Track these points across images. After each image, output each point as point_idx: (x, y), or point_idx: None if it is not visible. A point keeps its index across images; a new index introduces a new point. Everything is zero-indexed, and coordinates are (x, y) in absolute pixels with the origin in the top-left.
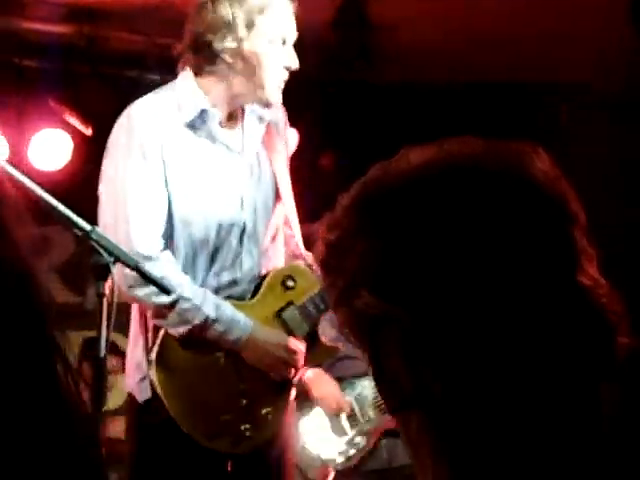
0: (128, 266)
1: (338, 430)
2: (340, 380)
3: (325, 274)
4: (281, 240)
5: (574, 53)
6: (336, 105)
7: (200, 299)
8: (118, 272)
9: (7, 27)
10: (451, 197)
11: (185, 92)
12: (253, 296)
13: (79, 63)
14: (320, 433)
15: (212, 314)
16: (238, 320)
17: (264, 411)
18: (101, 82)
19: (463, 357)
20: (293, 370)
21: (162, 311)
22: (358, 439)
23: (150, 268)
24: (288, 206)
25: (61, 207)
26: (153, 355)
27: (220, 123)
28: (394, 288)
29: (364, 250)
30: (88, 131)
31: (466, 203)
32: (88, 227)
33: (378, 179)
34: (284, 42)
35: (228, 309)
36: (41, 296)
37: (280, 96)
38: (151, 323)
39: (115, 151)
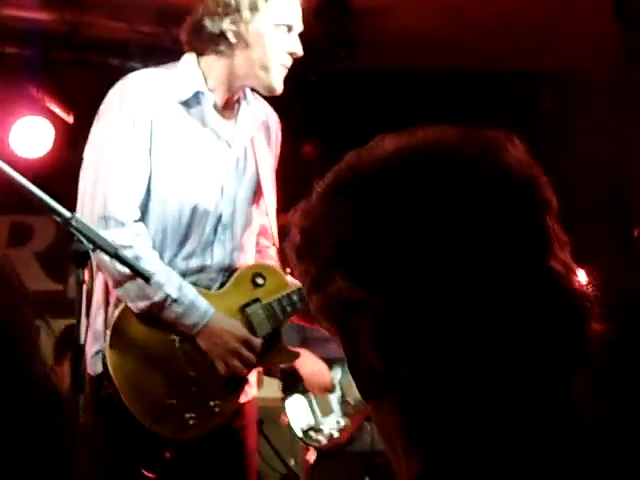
0: (107, 253)
1: (323, 410)
2: (329, 361)
3: (299, 260)
4: (254, 238)
5: (558, 41)
6: (319, 94)
7: (164, 277)
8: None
9: None
10: (424, 184)
11: (184, 71)
12: (221, 287)
13: (60, 50)
14: (304, 413)
15: (173, 294)
16: (198, 306)
17: (212, 403)
18: (83, 69)
19: (434, 341)
20: (244, 366)
21: (123, 281)
22: (342, 420)
23: (120, 234)
24: (269, 207)
25: (42, 194)
26: (109, 329)
27: (215, 107)
28: (366, 273)
29: (337, 235)
30: (70, 118)
31: (438, 189)
32: (68, 214)
33: (352, 166)
34: (289, 29)
35: (190, 293)
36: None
37: (282, 82)
38: (113, 296)
39: (105, 116)
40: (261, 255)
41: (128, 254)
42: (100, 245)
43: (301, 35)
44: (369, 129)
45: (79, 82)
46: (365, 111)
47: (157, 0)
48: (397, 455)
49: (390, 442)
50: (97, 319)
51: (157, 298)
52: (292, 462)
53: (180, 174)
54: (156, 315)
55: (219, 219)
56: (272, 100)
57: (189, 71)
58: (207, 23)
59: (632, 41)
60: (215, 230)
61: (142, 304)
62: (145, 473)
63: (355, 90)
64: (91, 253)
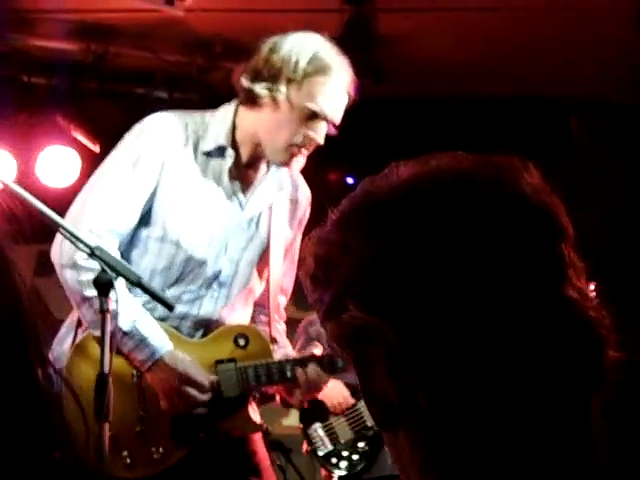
0: (130, 281)
1: (342, 436)
2: (349, 385)
3: (313, 288)
4: (250, 308)
5: (582, 65)
6: (344, 122)
7: (122, 307)
8: (55, 247)
9: (15, 44)
10: (438, 212)
11: (216, 122)
12: (202, 337)
13: (87, 80)
14: (324, 441)
15: (125, 327)
16: (151, 343)
17: (153, 448)
18: (109, 99)
19: (450, 370)
20: (186, 405)
21: (81, 303)
22: (361, 444)
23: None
24: (272, 277)
25: (66, 225)
26: (72, 349)
27: (237, 165)
28: (380, 301)
29: (351, 263)
30: (96, 148)
31: (453, 218)
32: (93, 244)
33: (367, 193)
34: (321, 117)
35: (146, 329)
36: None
37: (286, 160)
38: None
39: (116, 149)
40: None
41: (86, 277)
42: (123, 273)
43: None
44: (395, 157)
45: (105, 111)
46: (391, 138)
47: (182, 30)
48: None
49: (405, 472)
50: (66, 340)
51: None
52: None
53: (183, 220)
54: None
55: (217, 275)
56: None
57: (221, 123)
58: (245, 78)
59: None
60: (210, 284)
61: (96, 332)
62: None
63: (381, 118)
64: (114, 282)
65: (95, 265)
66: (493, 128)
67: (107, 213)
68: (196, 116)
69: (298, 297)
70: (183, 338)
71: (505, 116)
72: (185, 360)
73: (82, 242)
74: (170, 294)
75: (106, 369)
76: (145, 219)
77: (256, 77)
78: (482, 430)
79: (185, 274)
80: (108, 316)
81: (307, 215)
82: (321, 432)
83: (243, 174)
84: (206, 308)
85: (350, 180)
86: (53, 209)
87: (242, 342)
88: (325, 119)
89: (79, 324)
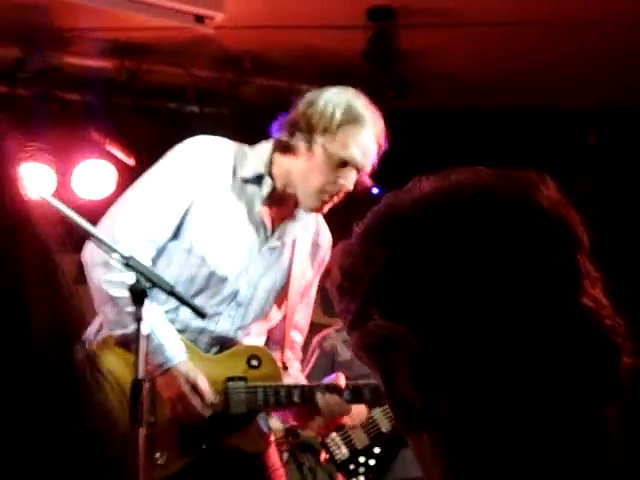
0: (163, 290)
1: (358, 442)
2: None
3: (340, 298)
4: (264, 330)
5: (601, 78)
6: None
7: (145, 313)
8: (87, 248)
9: (51, 62)
10: (459, 225)
11: (256, 154)
12: (217, 353)
13: (120, 96)
14: (341, 447)
15: (145, 331)
16: (166, 350)
17: (157, 454)
18: (142, 114)
19: (471, 376)
20: (190, 412)
21: (106, 302)
22: (377, 450)
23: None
24: (288, 309)
25: (102, 236)
26: (100, 338)
27: (270, 196)
28: (403, 310)
29: (376, 274)
30: (130, 161)
31: (473, 230)
32: (127, 254)
33: (390, 207)
34: (352, 165)
35: (164, 336)
36: (66, 293)
37: (317, 206)
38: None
39: (157, 165)
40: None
41: (116, 277)
42: (156, 282)
43: (351, 76)
44: (418, 167)
45: (139, 126)
46: (415, 150)
47: (212, 47)
48: None
49: (428, 472)
50: (92, 326)
51: (129, 330)
52: None
53: (211, 238)
54: (130, 345)
55: (235, 295)
56: None
57: (260, 155)
58: (284, 131)
59: None
60: (228, 302)
61: (118, 331)
62: None
63: (404, 130)
64: (148, 291)
65: (123, 273)
66: (514, 140)
67: (149, 223)
68: (236, 145)
69: (325, 303)
70: (198, 352)
71: (525, 128)
72: (196, 372)
73: (117, 252)
74: (186, 313)
75: (140, 374)
76: (175, 231)
77: (294, 129)
78: (501, 434)
79: (206, 288)
80: (142, 324)
81: (327, 259)
82: (338, 440)
83: (274, 205)
84: (223, 325)
85: (375, 190)
86: (89, 221)
87: (255, 363)
88: (356, 166)
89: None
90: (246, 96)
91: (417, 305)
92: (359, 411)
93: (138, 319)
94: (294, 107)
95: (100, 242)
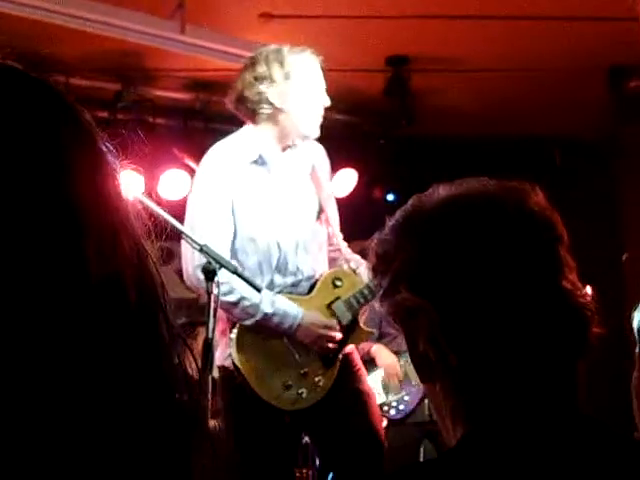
0: (228, 270)
1: (393, 389)
2: (397, 353)
3: (374, 276)
4: (326, 250)
5: (566, 112)
6: (387, 153)
7: (259, 298)
8: (193, 277)
9: (143, 94)
10: (470, 221)
11: (247, 138)
12: (310, 292)
13: (196, 121)
14: (378, 392)
15: (269, 310)
16: (289, 313)
17: (317, 379)
18: (213, 135)
19: (474, 338)
20: (331, 343)
21: (229, 308)
22: (407, 397)
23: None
24: (334, 225)
25: (182, 228)
26: (233, 337)
27: (274, 159)
28: (424, 286)
29: (404, 258)
30: None
31: (480, 226)
32: (201, 242)
33: (415, 206)
34: (316, 87)
35: (283, 304)
36: (157, 280)
37: (318, 130)
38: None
39: (198, 176)
40: (333, 259)
41: (225, 289)
42: (223, 265)
43: (373, 108)
44: (426, 178)
45: (210, 144)
46: (422, 164)
47: None
48: (446, 426)
49: (440, 416)
50: (224, 332)
51: (258, 316)
52: None
53: (260, 217)
54: (262, 325)
55: (297, 244)
56: (353, 157)
57: (251, 137)
58: (249, 95)
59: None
60: (297, 253)
61: (249, 322)
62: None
63: (415, 150)
64: (217, 271)
65: (229, 283)
66: (500, 160)
67: (219, 239)
68: (235, 138)
69: None
70: (302, 298)
71: (508, 150)
72: (315, 314)
73: (193, 240)
74: (279, 273)
75: (210, 335)
76: (234, 230)
77: (257, 86)
78: (495, 379)
79: (282, 255)
80: (212, 296)
81: (327, 161)
82: (376, 385)
83: (283, 161)
84: (305, 271)
85: (390, 197)
86: (172, 215)
87: (338, 283)
88: (322, 87)
89: (229, 322)
90: None
91: (436, 282)
92: (395, 363)
93: (208, 292)
94: (233, 95)
95: (182, 233)
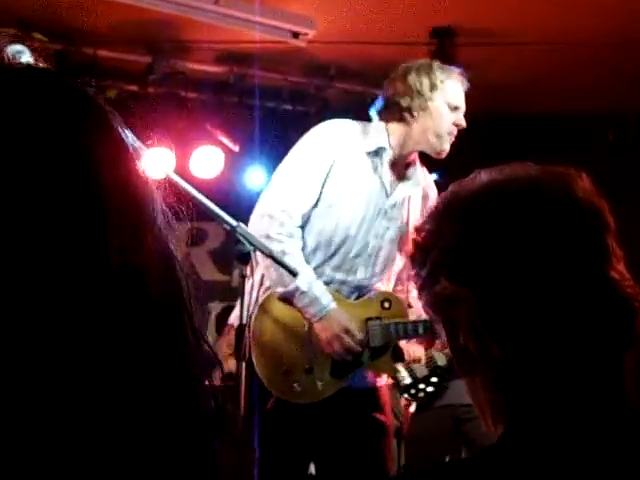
0: (263, 253)
1: (420, 373)
2: None
3: (413, 266)
4: (392, 279)
5: (620, 88)
6: None
7: (302, 272)
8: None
9: (175, 67)
10: (512, 208)
11: (374, 130)
12: (356, 299)
13: (229, 95)
14: (406, 377)
15: (303, 287)
16: (321, 301)
17: (317, 381)
18: (246, 110)
19: (517, 327)
20: (344, 350)
21: (270, 266)
22: (434, 379)
23: (277, 230)
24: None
25: (215, 207)
26: (257, 306)
27: (390, 162)
28: (465, 275)
29: (443, 247)
30: (236, 148)
31: (525, 214)
32: (234, 223)
33: (455, 193)
34: (456, 108)
35: (318, 290)
36: (182, 280)
37: (447, 147)
38: (266, 283)
39: (300, 145)
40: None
41: (277, 247)
42: (258, 247)
43: None
44: (470, 160)
45: (243, 120)
46: (469, 144)
47: (304, 57)
48: (487, 421)
49: (481, 410)
50: (252, 294)
51: (290, 287)
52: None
53: (342, 204)
54: (290, 300)
55: (365, 248)
56: None
57: (378, 131)
58: (396, 101)
59: None
60: (361, 255)
61: (279, 289)
62: None
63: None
64: (252, 253)
65: (285, 240)
66: (547, 139)
67: (299, 199)
68: (358, 124)
69: None
70: (343, 299)
71: (556, 129)
72: (345, 316)
73: (226, 221)
74: (333, 264)
75: (245, 320)
76: (316, 201)
77: (399, 101)
78: (539, 376)
79: (341, 247)
80: (247, 280)
81: (432, 199)
82: (401, 369)
83: (392, 170)
84: (360, 275)
85: (434, 176)
86: (203, 194)
87: (387, 305)
88: (462, 107)
89: (260, 285)
90: (330, 98)
91: (477, 271)
92: (417, 349)
93: (242, 275)
94: (389, 89)
95: (214, 213)
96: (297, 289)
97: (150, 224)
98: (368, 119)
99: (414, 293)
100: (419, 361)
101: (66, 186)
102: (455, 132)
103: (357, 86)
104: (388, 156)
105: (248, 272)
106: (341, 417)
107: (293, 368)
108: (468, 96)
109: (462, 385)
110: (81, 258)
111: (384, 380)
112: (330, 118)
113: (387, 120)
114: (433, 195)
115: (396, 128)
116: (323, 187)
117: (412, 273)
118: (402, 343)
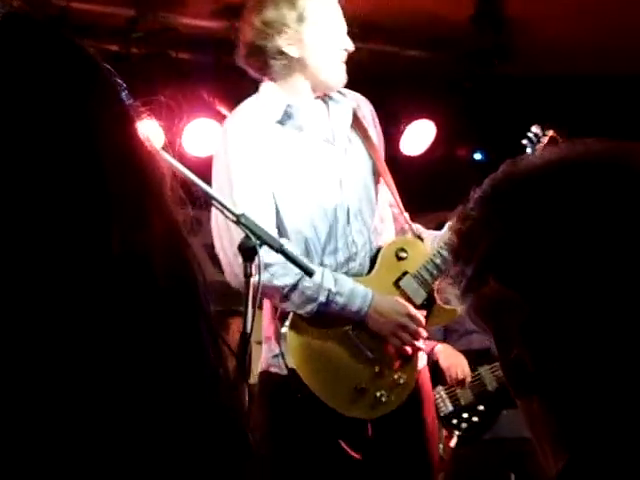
0: (273, 248)
1: (463, 398)
2: (471, 352)
3: (455, 261)
4: (389, 218)
5: None
6: (472, 99)
7: (319, 276)
8: (229, 263)
9: (164, 22)
10: (575, 192)
11: (269, 95)
12: (370, 270)
13: (231, 56)
14: (446, 402)
15: (333, 288)
16: (358, 292)
17: (396, 376)
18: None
19: (587, 341)
20: (413, 338)
21: (286, 293)
22: (480, 407)
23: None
24: (390, 186)
25: (213, 192)
26: (285, 331)
27: (306, 113)
28: (519, 275)
29: (492, 239)
30: None
31: (588, 200)
32: (238, 212)
33: (507, 173)
34: (335, 29)
35: (347, 282)
36: (193, 266)
37: (344, 76)
38: (279, 313)
39: (217, 160)
40: (396, 222)
41: (277, 270)
42: (266, 241)
43: (456, 42)
44: (522, 133)
45: (249, 86)
46: (521, 114)
47: None
48: (544, 452)
49: (538, 439)
50: (270, 330)
51: (322, 297)
52: (440, 447)
53: (298, 185)
54: (324, 313)
55: (348, 211)
56: (431, 105)
57: (272, 93)
58: (259, 45)
59: None
60: (348, 221)
61: (310, 307)
62: (352, 454)
63: (510, 95)
64: (258, 248)
65: (279, 264)
66: (611, 105)
67: (264, 215)
68: (255, 101)
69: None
70: (362, 279)
71: (621, 94)
72: (389, 299)
73: (228, 210)
74: (330, 249)
75: (248, 328)
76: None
77: (270, 37)
78: (607, 399)
79: (329, 228)
80: (251, 280)
81: (375, 116)
82: (443, 394)
83: (315, 117)
84: (359, 242)
85: (478, 156)
86: (198, 176)
87: (403, 254)
88: (342, 27)
89: (274, 318)
90: (352, 59)
91: (536, 271)
92: (462, 365)
93: (247, 275)
94: (242, 34)
95: (212, 199)
96: (329, 293)
97: (157, 200)
98: (401, 89)
99: (417, 225)
100: (463, 384)
101: (66, 156)
102: (345, 56)
103: (387, 46)
104: (299, 109)
105: (254, 271)
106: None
107: (366, 382)
108: (520, 57)
109: (516, 414)
110: (81, 239)
111: (422, 361)
112: (351, 85)
113: (270, 77)
114: (368, 109)
115: (286, 85)
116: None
117: (453, 271)
118: (443, 364)
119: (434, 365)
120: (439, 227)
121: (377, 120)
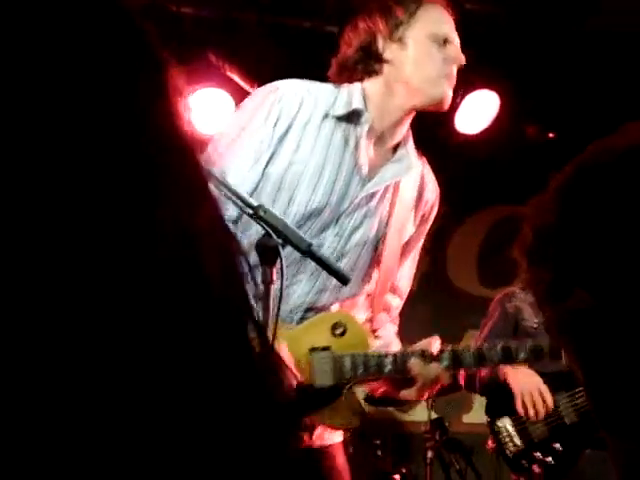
0: (299, 249)
1: (536, 433)
2: (548, 375)
3: (530, 264)
4: (363, 303)
5: None
6: (548, 64)
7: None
8: None
9: None
10: None
11: (347, 91)
12: (299, 322)
13: (243, 11)
14: (514, 437)
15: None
16: None
17: None
18: (268, 34)
19: None
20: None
21: None
22: (557, 445)
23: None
24: (385, 264)
25: (227, 181)
26: None
27: (370, 134)
28: (616, 286)
29: (578, 239)
30: (252, 89)
31: None
32: (255, 203)
33: (594, 160)
34: (445, 41)
35: None
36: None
37: (450, 93)
38: None
39: (245, 108)
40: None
41: None
42: (291, 240)
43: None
44: (599, 111)
45: (265, 48)
46: (607, 83)
47: None
48: None
49: None
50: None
51: None
52: None
53: (295, 188)
54: None
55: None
56: (495, 73)
57: (351, 91)
58: (364, 49)
59: None
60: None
61: None
62: None
63: (598, 59)
64: (280, 249)
65: None
66: None
67: (244, 171)
68: (328, 85)
69: (483, 272)
70: (283, 325)
71: None
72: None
73: (245, 202)
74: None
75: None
76: (263, 173)
77: (366, 48)
78: None
79: (304, 214)
80: (272, 288)
81: (433, 215)
82: (510, 427)
83: (372, 145)
84: (301, 290)
85: (551, 135)
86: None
87: (339, 331)
88: (451, 38)
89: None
90: None
91: (631, 278)
92: (540, 388)
93: (267, 282)
94: (343, 42)
95: (225, 189)
96: None
97: (203, 183)
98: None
99: (389, 329)
100: (538, 416)
101: (115, 143)
102: (454, 71)
103: None
104: (367, 123)
105: (275, 276)
106: None
107: None
108: (612, 10)
109: (603, 456)
110: (127, 230)
111: (336, 436)
112: None
113: (361, 78)
114: (432, 197)
115: (372, 88)
116: (268, 163)
117: (529, 275)
118: (514, 387)
119: (499, 389)
120: (499, 226)
121: (435, 210)
